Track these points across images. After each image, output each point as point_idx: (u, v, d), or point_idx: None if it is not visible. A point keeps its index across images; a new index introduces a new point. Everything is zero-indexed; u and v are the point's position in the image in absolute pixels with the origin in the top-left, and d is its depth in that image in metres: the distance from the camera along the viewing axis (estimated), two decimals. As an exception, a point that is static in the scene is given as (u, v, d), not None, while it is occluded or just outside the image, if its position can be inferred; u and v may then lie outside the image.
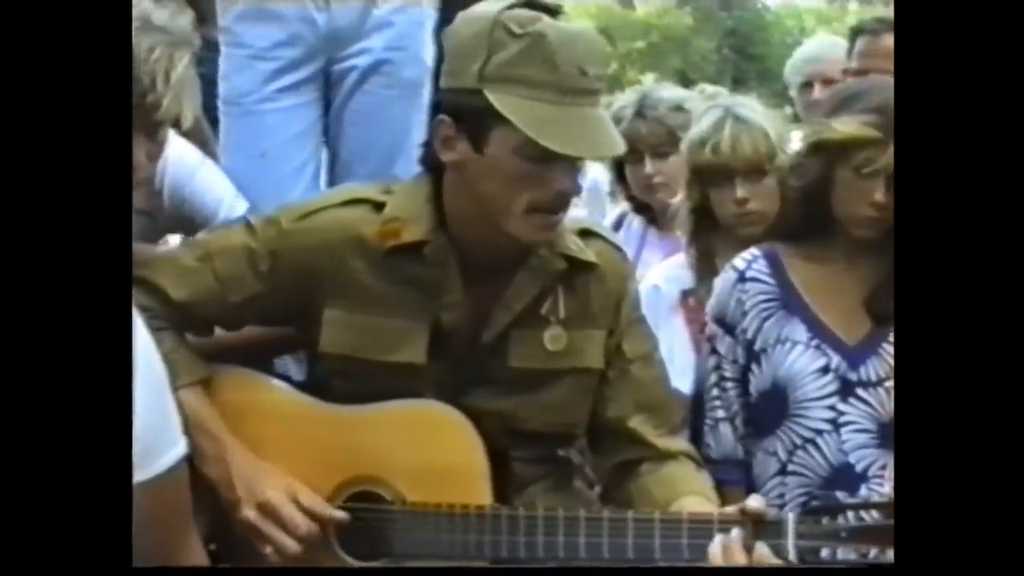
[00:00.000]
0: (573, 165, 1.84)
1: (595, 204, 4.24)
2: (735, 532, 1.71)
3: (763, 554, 1.70)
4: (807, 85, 3.48)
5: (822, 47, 3.68)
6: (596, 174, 4.29)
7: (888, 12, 3.64)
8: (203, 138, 2.40)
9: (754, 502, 1.75)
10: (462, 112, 1.83)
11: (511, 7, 1.82)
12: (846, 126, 2.00)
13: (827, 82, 3.45)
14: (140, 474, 1.48)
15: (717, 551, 1.71)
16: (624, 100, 2.96)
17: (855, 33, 3.44)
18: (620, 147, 1.92)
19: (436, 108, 1.92)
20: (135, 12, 1.72)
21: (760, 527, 1.72)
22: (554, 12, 1.84)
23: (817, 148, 2.06)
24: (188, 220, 2.16)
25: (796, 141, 2.69)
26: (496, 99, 1.78)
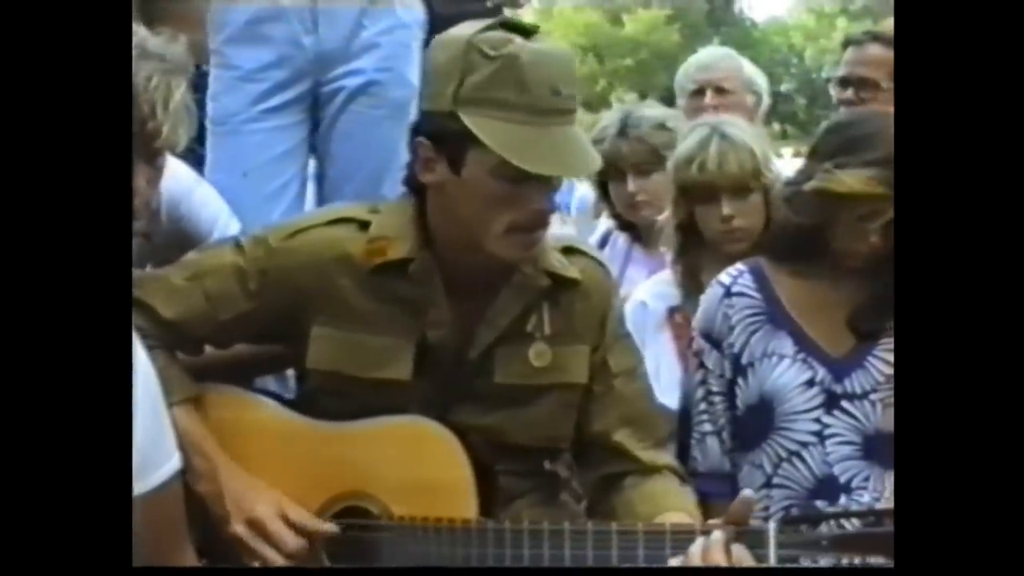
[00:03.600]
0: (549, 184, 1.86)
1: (584, 222, 4.26)
2: (716, 534, 1.73)
3: (741, 556, 1.71)
4: (699, 92, 3.53)
5: (715, 57, 3.75)
6: (585, 192, 4.32)
7: (875, 27, 3.70)
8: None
9: (747, 491, 1.77)
10: (440, 134, 1.85)
11: (485, 29, 1.84)
12: (853, 179, 1.98)
13: (719, 90, 3.50)
14: (136, 488, 1.50)
15: (697, 551, 1.72)
16: (606, 119, 2.98)
17: (845, 44, 3.54)
18: (595, 165, 1.94)
19: (416, 130, 1.93)
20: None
21: (741, 536, 1.73)
22: (529, 33, 1.86)
23: (821, 193, 2.04)
24: (184, 238, 2.17)
25: (785, 160, 2.71)
26: (470, 121, 1.80)
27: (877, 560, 1.70)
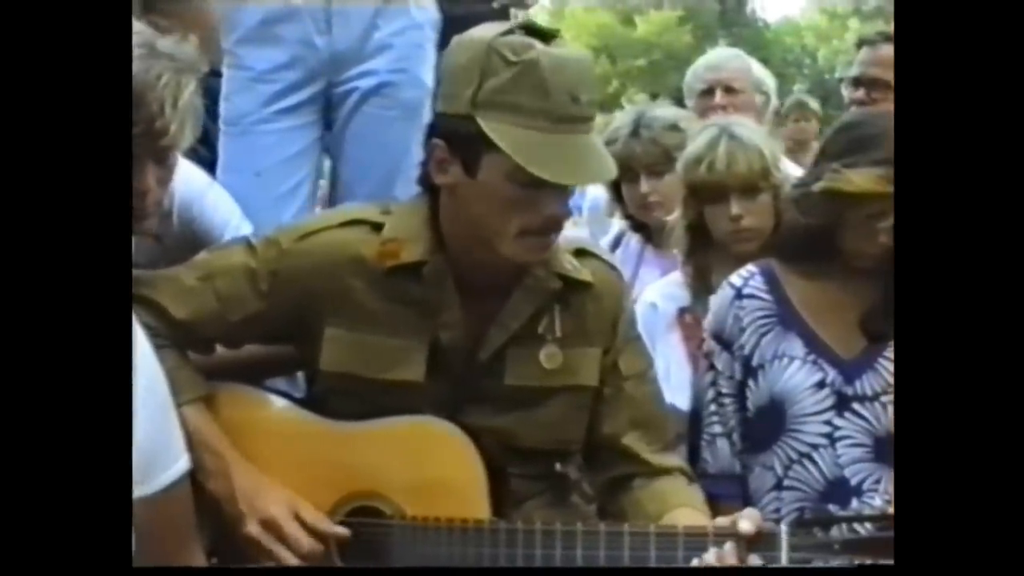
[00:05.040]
0: (564, 190, 1.85)
1: (596, 223, 4.27)
2: (728, 545, 1.73)
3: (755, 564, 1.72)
4: (708, 92, 3.55)
5: (723, 57, 3.78)
6: (597, 193, 4.32)
7: (889, 27, 3.72)
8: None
9: (745, 523, 1.75)
10: (455, 136, 1.85)
11: (506, 33, 1.83)
12: (862, 178, 1.99)
13: (728, 90, 3.54)
14: (144, 489, 1.51)
15: (711, 560, 1.73)
16: (619, 120, 2.98)
17: (859, 44, 3.57)
18: (611, 173, 1.93)
19: (432, 131, 1.93)
20: (140, 39, 1.74)
21: (753, 539, 1.74)
22: (549, 37, 1.85)
23: (830, 193, 2.05)
24: (196, 240, 2.17)
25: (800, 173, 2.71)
26: (487, 126, 1.79)
27: (888, 563, 1.69)
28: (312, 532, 1.85)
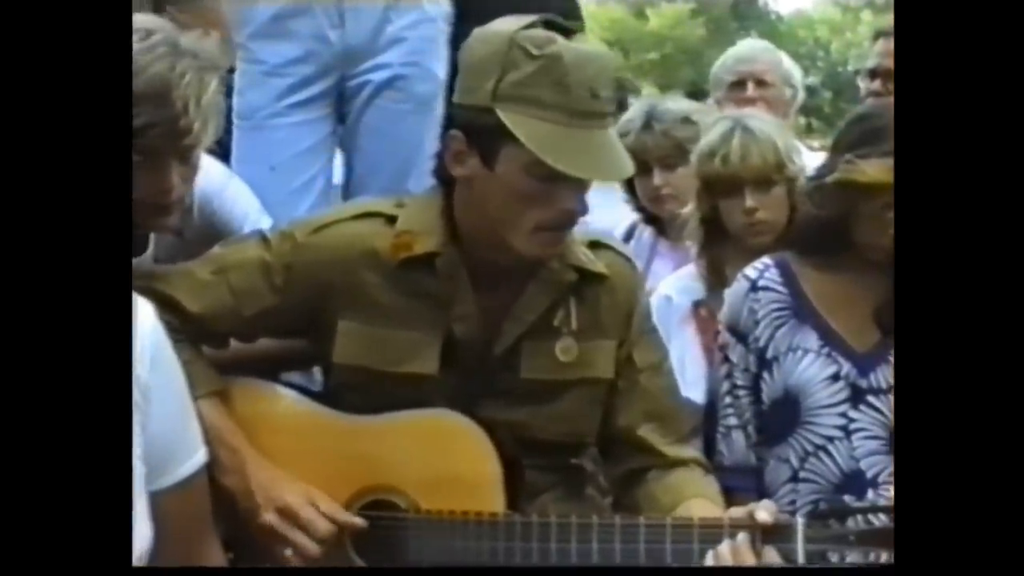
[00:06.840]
0: (581, 186, 1.85)
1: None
2: (741, 536, 1.73)
3: (769, 556, 1.72)
4: (738, 84, 3.55)
5: (756, 49, 3.77)
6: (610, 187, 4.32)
7: (903, 19, 3.73)
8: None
9: (763, 513, 1.75)
10: (474, 128, 1.85)
11: (528, 27, 1.84)
12: (875, 169, 1.99)
13: (760, 83, 3.54)
14: (162, 481, 1.52)
15: (725, 552, 1.73)
16: (631, 113, 2.97)
17: (876, 36, 3.59)
18: (628, 170, 1.93)
19: (449, 122, 1.93)
20: (163, 37, 1.75)
21: (769, 531, 1.74)
22: (570, 33, 1.85)
23: (843, 184, 2.05)
24: (216, 234, 2.18)
25: (809, 156, 2.70)
26: (507, 118, 1.79)
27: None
28: (328, 519, 1.85)
